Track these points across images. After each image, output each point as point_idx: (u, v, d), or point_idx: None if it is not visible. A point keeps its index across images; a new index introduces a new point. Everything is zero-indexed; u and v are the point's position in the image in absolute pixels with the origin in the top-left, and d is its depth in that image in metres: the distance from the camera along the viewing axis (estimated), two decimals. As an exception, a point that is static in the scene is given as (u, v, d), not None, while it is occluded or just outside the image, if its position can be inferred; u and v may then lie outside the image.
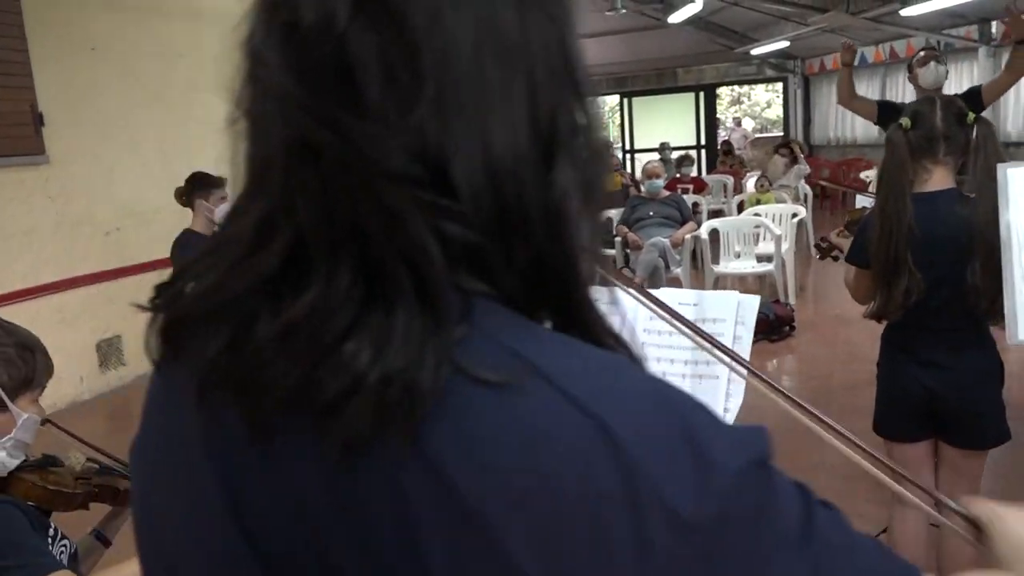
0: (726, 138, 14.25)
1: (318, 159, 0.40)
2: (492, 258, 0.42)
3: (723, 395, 1.60)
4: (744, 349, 1.64)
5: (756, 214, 6.70)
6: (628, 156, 13.91)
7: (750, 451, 0.40)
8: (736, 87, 16.35)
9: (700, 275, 6.55)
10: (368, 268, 0.40)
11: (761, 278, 6.52)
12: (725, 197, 9.94)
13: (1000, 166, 1.64)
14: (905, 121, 2.05)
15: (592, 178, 0.45)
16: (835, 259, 2.85)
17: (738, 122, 17.27)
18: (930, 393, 2.14)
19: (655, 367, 1.86)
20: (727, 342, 1.86)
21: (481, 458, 0.37)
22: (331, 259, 0.41)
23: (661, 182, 6.27)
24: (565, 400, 0.38)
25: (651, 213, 6.21)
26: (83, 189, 5.44)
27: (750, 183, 10.05)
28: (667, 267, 5.84)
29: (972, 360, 2.14)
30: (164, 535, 0.47)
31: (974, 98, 4.16)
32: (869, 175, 6.96)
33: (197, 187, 4.16)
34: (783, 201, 7.53)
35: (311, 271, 0.41)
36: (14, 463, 1.29)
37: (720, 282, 6.13)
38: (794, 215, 6.67)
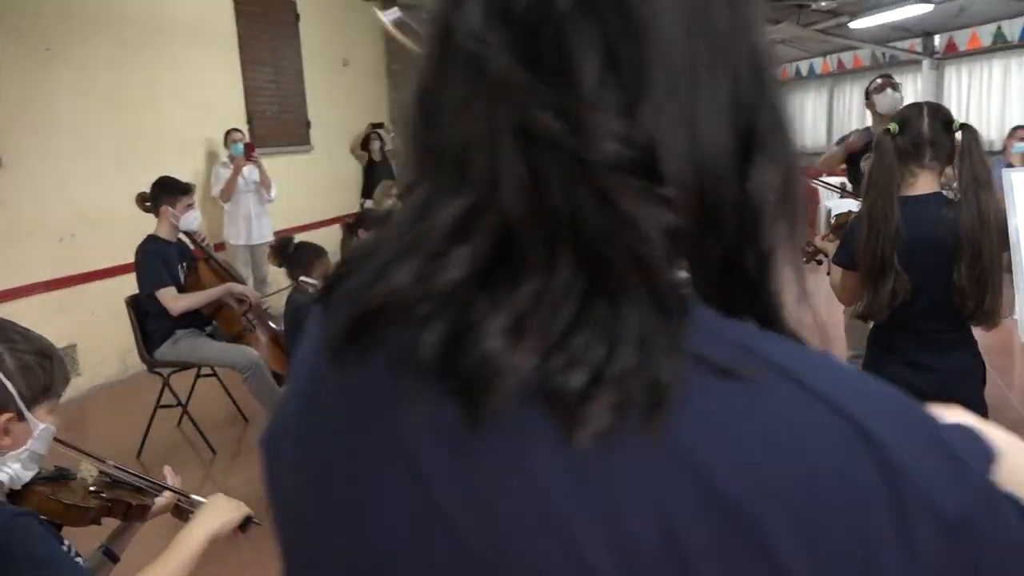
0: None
1: (532, 146, 0.39)
2: (692, 253, 0.42)
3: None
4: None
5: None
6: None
7: (987, 449, 0.40)
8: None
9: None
10: (587, 259, 0.39)
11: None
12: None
13: (1005, 171, 1.69)
14: (893, 126, 2.11)
15: (788, 178, 0.44)
16: (819, 263, 2.91)
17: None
18: (916, 393, 2.19)
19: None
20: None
21: (734, 451, 0.37)
22: (547, 250, 0.39)
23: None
24: (812, 397, 0.38)
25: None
26: (36, 194, 5.26)
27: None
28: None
29: (957, 361, 2.20)
30: (347, 530, 0.45)
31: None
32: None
33: (164, 193, 4.06)
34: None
35: (524, 263, 0.40)
36: (28, 475, 1.23)
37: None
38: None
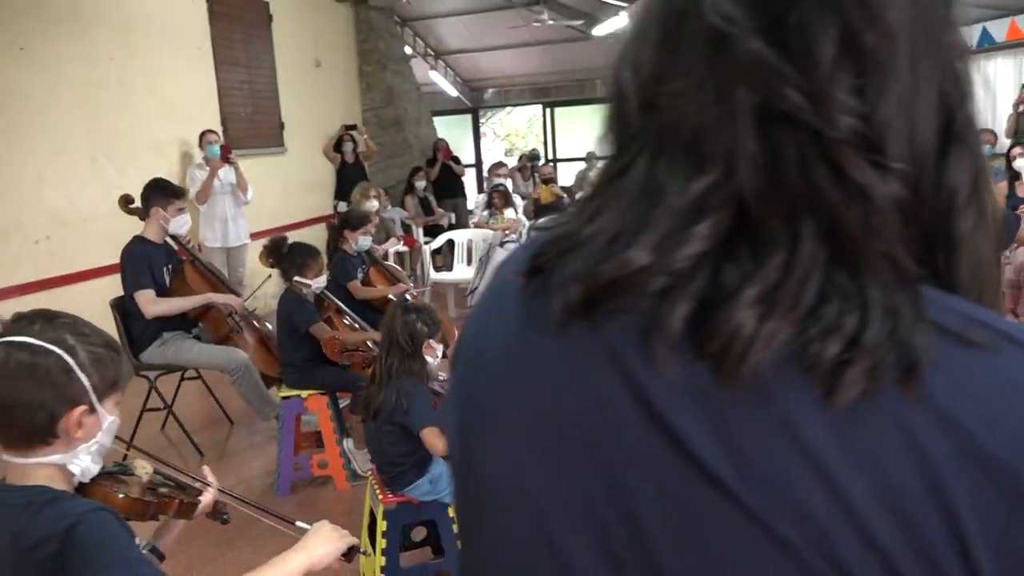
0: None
1: (771, 124, 0.42)
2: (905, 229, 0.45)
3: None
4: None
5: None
6: (553, 165, 14.09)
7: None
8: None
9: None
10: (827, 231, 0.42)
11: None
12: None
13: None
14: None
15: (979, 170, 0.48)
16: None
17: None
18: None
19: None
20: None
21: (987, 410, 0.40)
22: (788, 224, 0.43)
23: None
24: None
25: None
26: (10, 196, 5.16)
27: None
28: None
29: None
30: (584, 492, 0.47)
31: None
32: None
33: (157, 195, 4.02)
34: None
35: (765, 237, 0.43)
36: (96, 469, 1.24)
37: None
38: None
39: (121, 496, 1.27)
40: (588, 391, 0.48)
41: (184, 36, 6.79)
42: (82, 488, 1.23)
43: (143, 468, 1.38)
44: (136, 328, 4.12)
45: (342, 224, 4.87)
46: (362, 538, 2.92)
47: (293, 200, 8.19)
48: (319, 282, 3.80)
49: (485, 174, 11.73)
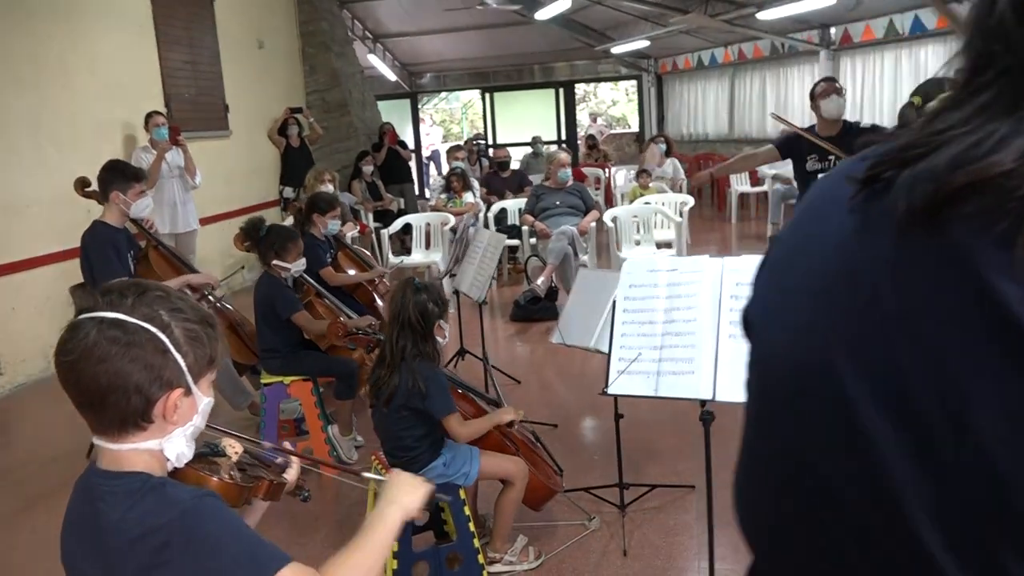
0: (591, 132, 14.67)
1: None
2: None
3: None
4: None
5: (647, 203, 6.97)
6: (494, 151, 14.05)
7: None
8: (584, 85, 16.83)
9: (606, 261, 6.73)
10: None
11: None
12: (598, 188, 10.26)
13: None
14: (916, 99, 2.24)
15: None
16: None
17: (594, 118, 17.85)
18: None
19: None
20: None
21: None
22: None
23: (569, 172, 6.39)
24: None
25: (557, 203, 6.32)
26: (-52, 180, 4.86)
27: (619, 175, 10.46)
28: (576, 254, 5.97)
29: None
30: (920, 378, 0.50)
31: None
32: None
33: (116, 179, 3.82)
34: (663, 191, 7.87)
35: None
36: (191, 454, 1.15)
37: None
38: (684, 203, 7.00)
39: (215, 480, 1.18)
40: (928, 291, 0.50)
41: (125, 13, 6.49)
42: (175, 473, 1.15)
43: (232, 448, 1.29)
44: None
45: (310, 208, 4.74)
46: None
47: (238, 185, 7.95)
48: (299, 266, 3.69)
49: (425, 159, 11.61)
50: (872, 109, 10.28)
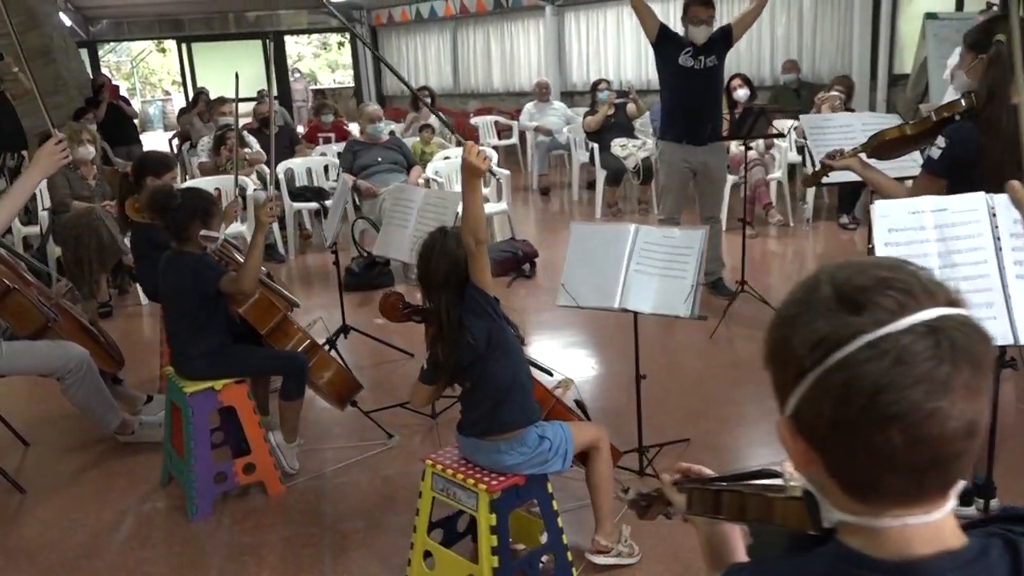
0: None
1: None
2: None
3: None
4: None
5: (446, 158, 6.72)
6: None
7: None
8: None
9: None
10: None
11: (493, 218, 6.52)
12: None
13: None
14: (1002, 36, 2.33)
15: None
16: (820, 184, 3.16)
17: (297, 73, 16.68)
18: None
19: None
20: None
21: None
22: None
23: (383, 126, 5.90)
24: None
25: (379, 159, 5.82)
26: None
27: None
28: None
29: None
30: None
31: (727, 35, 4.74)
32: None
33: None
34: (444, 147, 7.65)
35: None
36: None
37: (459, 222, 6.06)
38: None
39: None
40: None
41: None
42: None
43: None
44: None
45: (140, 171, 3.85)
46: (419, 542, 2.41)
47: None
48: (224, 230, 2.96)
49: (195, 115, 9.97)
50: (597, 63, 10.90)
